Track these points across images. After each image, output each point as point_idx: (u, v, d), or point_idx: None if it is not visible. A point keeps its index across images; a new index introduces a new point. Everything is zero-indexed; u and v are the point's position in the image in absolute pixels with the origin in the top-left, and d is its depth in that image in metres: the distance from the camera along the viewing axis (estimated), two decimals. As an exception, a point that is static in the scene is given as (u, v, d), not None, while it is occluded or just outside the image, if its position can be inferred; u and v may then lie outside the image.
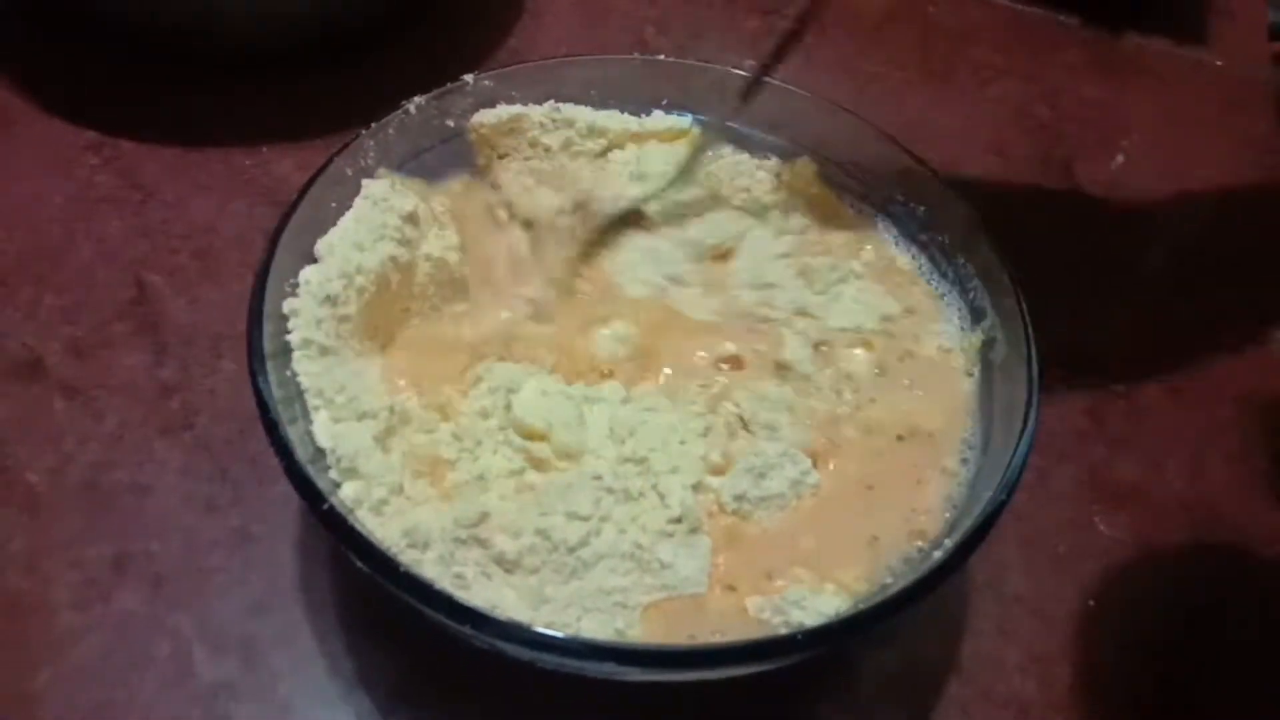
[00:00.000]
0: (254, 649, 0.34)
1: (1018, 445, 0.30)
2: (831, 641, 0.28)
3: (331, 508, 0.28)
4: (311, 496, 0.28)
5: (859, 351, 0.37)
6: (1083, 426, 0.43)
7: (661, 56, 0.43)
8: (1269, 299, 0.49)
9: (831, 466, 0.34)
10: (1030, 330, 0.34)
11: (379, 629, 0.35)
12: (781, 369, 0.36)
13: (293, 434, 0.30)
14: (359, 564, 0.27)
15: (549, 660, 0.27)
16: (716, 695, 0.34)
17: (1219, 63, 0.61)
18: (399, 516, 0.30)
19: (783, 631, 0.29)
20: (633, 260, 0.39)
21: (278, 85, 0.50)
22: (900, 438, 0.34)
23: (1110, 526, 0.41)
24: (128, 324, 0.42)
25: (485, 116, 0.40)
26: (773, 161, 0.42)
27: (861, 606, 0.28)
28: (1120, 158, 0.55)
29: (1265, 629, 0.38)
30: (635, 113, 0.42)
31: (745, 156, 0.42)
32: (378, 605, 0.35)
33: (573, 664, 0.27)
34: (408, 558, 0.29)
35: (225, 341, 0.42)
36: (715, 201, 0.41)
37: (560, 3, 0.58)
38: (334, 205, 0.36)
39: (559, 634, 0.27)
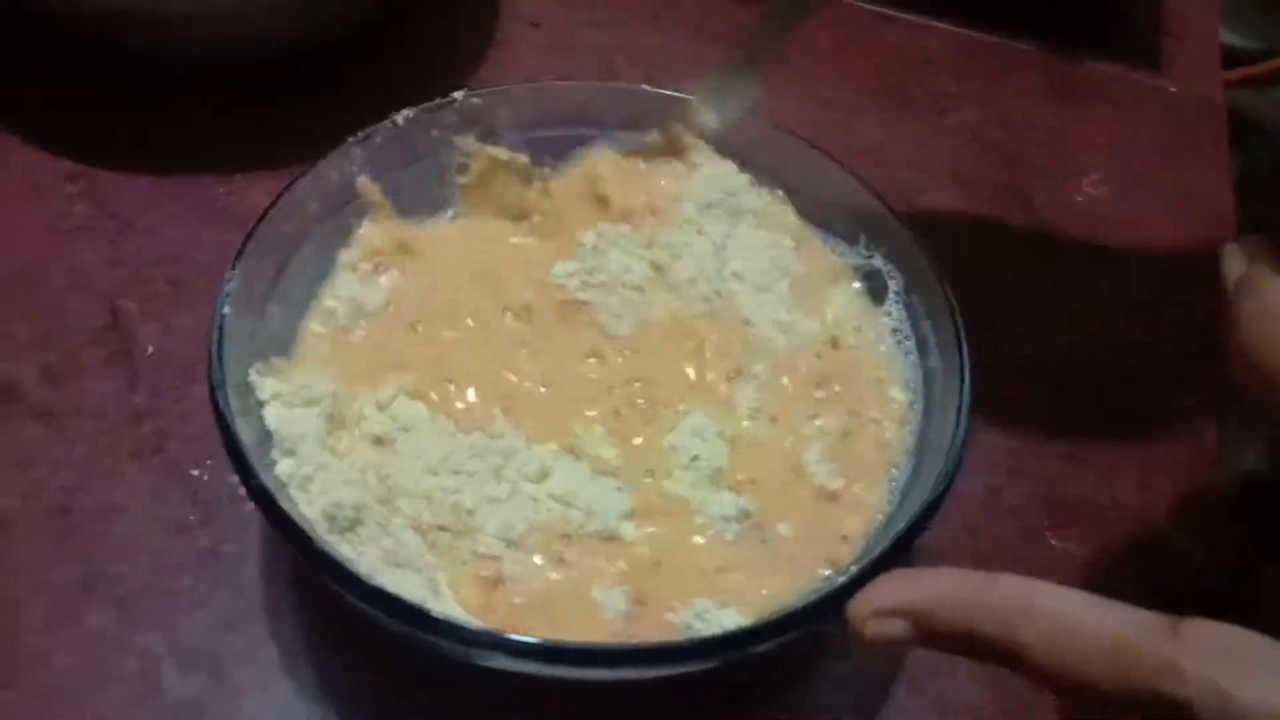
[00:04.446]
0: (221, 666, 0.35)
1: (935, 482, 0.31)
2: (718, 652, 0.29)
3: (261, 484, 0.29)
4: (243, 469, 0.29)
5: (788, 382, 0.38)
6: (1036, 443, 0.45)
7: (645, 86, 0.43)
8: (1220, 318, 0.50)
9: (752, 493, 0.35)
10: (965, 359, 0.34)
11: (343, 646, 0.36)
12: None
13: (242, 421, 0.31)
14: (285, 542, 0.29)
15: (447, 647, 0.28)
16: (666, 703, 0.35)
17: (1173, 88, 0.63)
18: (323, 495, 0.32)
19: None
20: None
21: (249, 117, 0.51)
22: (833, 468, 0.36)
23: (1063, 540, 0.42)
24: (101, 350, 0.43)
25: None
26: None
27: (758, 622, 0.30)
28: (1078, 181, 0.56)
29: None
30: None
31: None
32: (342, 622, 0.36)
33: (456, 648, 0.28)
34: (331, 535, 0.31)
35: (196, 367, 0.42)
36: None
37: (530, 33, 0.59)
38: (315, 205, 0.38)
39: (442, 614, 0.28)
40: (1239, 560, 0.40)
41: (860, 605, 0.26)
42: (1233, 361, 0.28)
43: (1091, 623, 0.23)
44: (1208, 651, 0.22)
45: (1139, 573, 0.41)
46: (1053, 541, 0.42)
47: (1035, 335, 0.49)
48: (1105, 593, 0.25)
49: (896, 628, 0.25)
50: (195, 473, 0.40)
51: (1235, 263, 0.28)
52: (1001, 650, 0.24)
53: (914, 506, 0.31)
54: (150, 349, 0.43)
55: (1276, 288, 0.26)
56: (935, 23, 0.64)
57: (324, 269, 0.39)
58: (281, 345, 0.37)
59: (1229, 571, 0.40)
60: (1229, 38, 0.73)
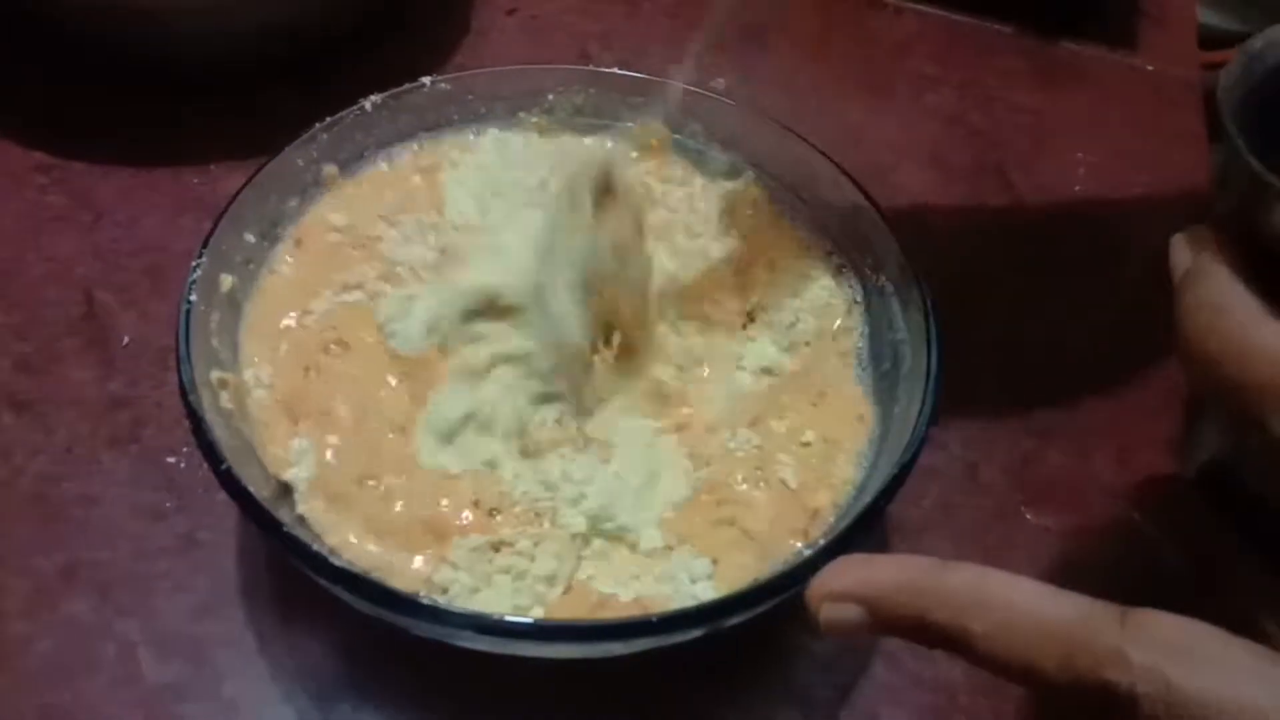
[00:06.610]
0: (199, 651, 0.35)
1: (901, 453, 0.31)
2: (685, 627, 0.29)
3: (229, 468, 0.29)
4: (211, 455, 0.30)
5: (763, 369, 0.38)
6: (1012, 421, 0.45)
7: (616, 69, 0.44)
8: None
9: (726, 471, 0.35)
10: (933, 331, 0.34)
11: (320, 628, 0.36)
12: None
13: (213, 412, 0.32)
14: (247, 517, 0.29)
15: (415, 625, 0.29)
16: (647, 677, 0.35)
17: (1150, 67, 0.63)
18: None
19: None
20: None
21: (225, 107, 0.51)
22: (804, 444, 0.36)
23: (1038, 516, 0.42)
24: (77, 340, 0.43)
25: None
26: (717, 183, 0.43)
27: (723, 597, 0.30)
28: (1056, 162, 0.57)
29: (1198, 607, 0.40)
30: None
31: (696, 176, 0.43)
32: (319, 604, 0.36)
33: (422, 626, 0.29)
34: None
35: (171, 355, 0.42)
36: None
37: (505, 20, 0.59)
38: (283, 192, 0.39)
39: (422, 597, 0.29)
40: (1201, 545, 0.40)
41: (816, 588, 0.26)
42: (1178, 351, 0.28)
43: (1041, 612, 0.23)
44: (1154, 641, 0.22)
45: (1113, 550, 0.41)
46: (1028, 518, 0.42)
47: (1012, 314, 0.49)
48: (1078, 569, 0.25)
49: (850, 612, 0.26)
50: (172, 460, 0.40)
51: (1181, 254, 0.28)
52: (952, 638, 0.24)
53: (882, 480, 0.32)
54: (126, 338, 0.43)
55: (1217, 280, 0.26)
56: (914, 6, 0.64)
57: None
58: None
59: (1191, 556, 0.40)
60: (1214, 19, 0.73)
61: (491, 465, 0.34)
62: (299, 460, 0.34)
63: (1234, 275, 0.26)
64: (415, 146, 0.42)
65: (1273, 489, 0.28)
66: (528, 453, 0.34)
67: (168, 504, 0.39)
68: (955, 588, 0.24)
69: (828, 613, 0.26)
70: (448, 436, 0.34)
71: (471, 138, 0.42)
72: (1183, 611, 0.23)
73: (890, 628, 0.25)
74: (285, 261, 0.39)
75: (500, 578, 0.31)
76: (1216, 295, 0.26)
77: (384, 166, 0.41)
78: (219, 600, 0.36)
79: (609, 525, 0.33)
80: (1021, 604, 0.23)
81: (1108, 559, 0.41)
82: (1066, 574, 0.40)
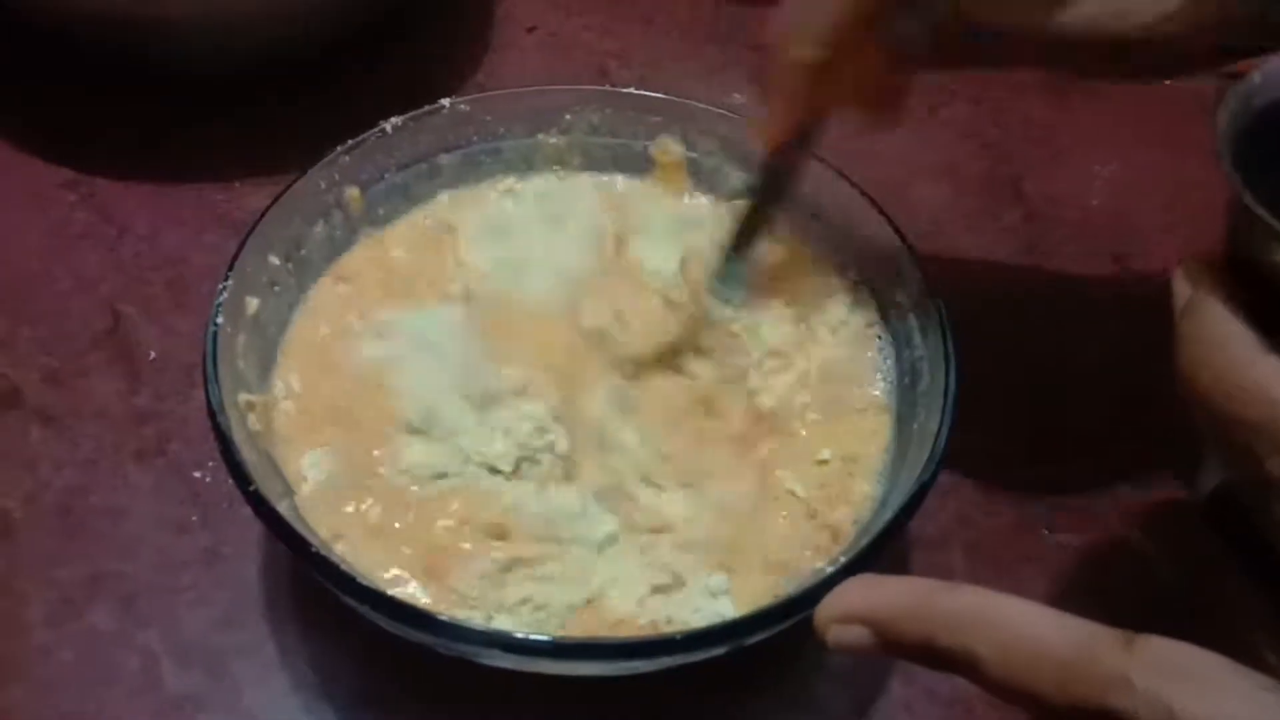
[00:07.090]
0: (220, 662, 0.36)
1: (921, 470, 0.32)
2: (706, 644, 0.29)
3: (258, 490, 0.30)
4: (240, 477, 0.30)
5: (786, 378, 0.38)
6: (1028, 435, 0.45)
7: (632, 89, 0.44)
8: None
9: (747, 484, 0.35)
10: (949, 347, 0.35)
11: (340, 642, 0.36)
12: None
13: (240, 432, 0.32)
14: (278, 540, 0.30)
15: (439, 644, 0.29)
16: (664, 689, 0.35)
17: (1166, 81, 0.63)
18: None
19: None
20: None
21: (248, 124, 0.52)
22: (822, 461, 0.36)
23: (1056, 533, 0.42)
24: (103, 354, 0.44)
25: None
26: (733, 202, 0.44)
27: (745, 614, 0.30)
28: (1070, 176, 0.57)
29: (1203, 632, 0.39)
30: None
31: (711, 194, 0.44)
32: (339, 617, 0.36)
33: (452, 646, 0.29)
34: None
35: (197, 370, 0.42)
36: None
37: (524, 38, 0.60)
38: (306, 214, 0.39)
39: (445, 615, 0.29)
40: (1205, 572, 0.40)
41: (824, 610, 0.27)
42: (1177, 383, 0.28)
43: (1046, 636, 0.23)
44: (1158, 668, 0.22)
45: (1128, 570, 0.41)
46: (1045, 533, 0.42)
47: (1026, 328, 0.49)
48: (1095, 587, 0.25)
49: (857, 634, 0.26)
50: (197, 474, 0.40)
51: (1182, 286, 0.28)
52: (957, 661, 0.24)
53: (902, 497, 0.32)
54: (152, 353, 0.44)
55: (1213, 313, 0.26)
56: (928, 20, 0.64)
57: (313, 278, 0.40)
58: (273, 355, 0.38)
59: (1194, 582, 0.40)
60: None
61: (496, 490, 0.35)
62: (312, 474, 0.34)
63: (1231, 309, 0.26)
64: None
65: (1264, 521, 0.28)
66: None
67: (192, 517, 0.39)
68: (960, 610, 0.24)
69: (835, 634, 0.26)
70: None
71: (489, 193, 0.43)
72: (1184, 638, 0.23)
73: (897, 650, 0.25)
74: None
75: (517, 600, 0.32)
76: (1212, 329, 0.26)
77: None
78: (241, 612, 0.37)
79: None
80: (1024, 627, 0.23)
81: (1124, 578, 0.41)
82: (1083, 592, 0.40)
